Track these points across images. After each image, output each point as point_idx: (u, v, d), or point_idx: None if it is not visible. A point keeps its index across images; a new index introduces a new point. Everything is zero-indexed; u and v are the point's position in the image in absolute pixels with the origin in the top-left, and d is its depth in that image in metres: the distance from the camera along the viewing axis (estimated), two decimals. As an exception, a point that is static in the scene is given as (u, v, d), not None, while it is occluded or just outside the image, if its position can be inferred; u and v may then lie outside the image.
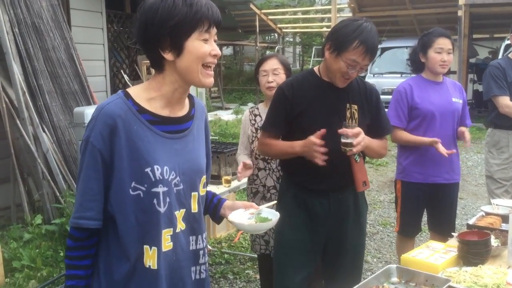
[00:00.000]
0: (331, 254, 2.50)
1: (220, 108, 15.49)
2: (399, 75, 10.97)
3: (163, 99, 1.52)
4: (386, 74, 12.23)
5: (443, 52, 3.19)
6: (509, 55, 3.74)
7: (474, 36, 13.63)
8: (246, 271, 4.11)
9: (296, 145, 2.30)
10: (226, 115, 13.59)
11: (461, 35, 11.36)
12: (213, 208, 1.78)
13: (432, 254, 2.17)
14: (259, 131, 3.05)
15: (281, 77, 2.98)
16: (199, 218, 1.62)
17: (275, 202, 2.32)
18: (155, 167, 1.46)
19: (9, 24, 4.74)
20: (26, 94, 4.72)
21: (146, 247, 1.49)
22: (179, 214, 1.55)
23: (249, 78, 19.73)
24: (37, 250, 3.98)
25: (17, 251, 3.94)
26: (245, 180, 3.32)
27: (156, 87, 1.52)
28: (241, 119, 3.31)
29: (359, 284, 1.89)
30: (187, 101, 1.62)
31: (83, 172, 1.46)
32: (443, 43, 3.20)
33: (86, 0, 6.42)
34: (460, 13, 11.24)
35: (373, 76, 12.47)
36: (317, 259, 2.54)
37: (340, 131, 2.22)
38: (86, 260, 1.52)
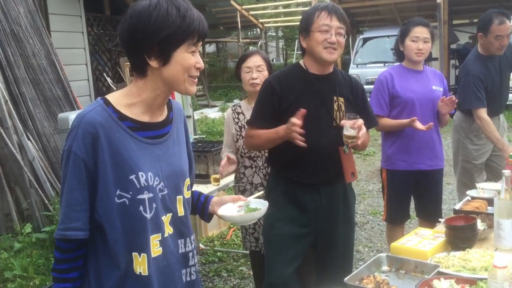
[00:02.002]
0: (322, 247, 2.53)
1: (206, 106, 15.44)
2: (382, 65, 11.02)
3: (144, 105, 1.52)
4: (369, 64, 12.29)
5: (419, 40, 3.23)
6: (479, 51, 3.73)
7: (454, 22, 13.74)
8: (240, 268, 4.13)
9: (280, 129, 2.30)
10: (213, 113, 13.56)
11: (441, 21, 11.44)
12: (201, 206, 1.78)
13: (421, 241, 2.20)
14: (243, 129, 3.06)
15: (265, 74, 2.99)
16: (186, 221, 1.63)
17: (262, 192, 2.33)
18: (140, 174, 1.46)
19: (-13, 33, 4.69)
20: (9, 102, 4.68)
21: (135, 254, 1.49)
22: (166, 218, 1.55)
23: (233, 75, 19.57)
24: (28, 259, 3.95)
25: (8, 261, 3.90)
26: (232, 178, 3.33)
27: (136, 92, 1.51)
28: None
29: (351, 274, 1.91)
30: (165, 106, 1.62)
31: (67, 183, 1.44)
32: (419, 31, 3.24)
33: (64, 5, 6.36)
34: (439, 0, 11.31)
35: (357, 66, 12.53)
36: (306, 252, 2.56)
37: (342, 122, 2.24)
38: (73, 272, 1.51)
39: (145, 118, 1.52)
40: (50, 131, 4.97)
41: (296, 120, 2.19)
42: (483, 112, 3.59)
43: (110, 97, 1.52)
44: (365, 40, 13.08)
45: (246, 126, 3.02)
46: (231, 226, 5.02)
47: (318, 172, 2.39)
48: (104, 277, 1.50)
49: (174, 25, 1.42)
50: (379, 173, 3.62)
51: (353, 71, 12.12)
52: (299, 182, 2.43)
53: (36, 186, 4.61)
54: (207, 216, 1.80)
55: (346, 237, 2.54)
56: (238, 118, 3.12)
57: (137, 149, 1.48)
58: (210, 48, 24.87)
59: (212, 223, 4.87)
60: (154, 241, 1.51)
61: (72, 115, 4.32)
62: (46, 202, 4.62)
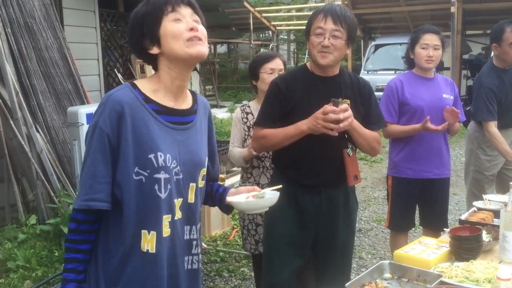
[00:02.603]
0: (321, 251, 2.52)
1: (215, 106, 15.47)
2: (392, 72, 10.99)
3: (166, 90, 1.59)
4: (380, 71, 12.26)
5: (429, 47, 3.22)
6: (494, 63, 3.72)
7: (468, 32, 13.69)
8: (241, 269, 4.12)
9: (301, 124, 2.27)
10: (221, 113, 13.58)
11: (454, 31, 11.39)
12: (219, 197, 1.82)
13: (424, 249, 2.19)
14: (251, 129, 3.06)
15: None
16: (195, 209, 1.67)
17: (281, 186, 2.30)
18: (159, 153, 1.52)
19: (1, 24, 4.72)
20: (20, 94, 4.70)
21: (144, 231, 1.53)
22: (178, 202, 1.60)
23: (243, 76, 19.71)
24: (31, 250, 3.97)
25: (12, 251, 3.93)
26: (238, 178, 3.33)
27: (157, 80, 1.60)
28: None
29: (352, 280, 1.91)
30: (190, 96, 1.70)
31: (91, 156, 1.50)
32: (429, 38, 3.22)
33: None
34: (453, 9, 11.27)
35: (367, 73, 12.50)
36: (306, 255, 2.55)
37: (326, 107, 2.18)
38: (86, 244, 1.56)
39: (169, 104, 1.60)
40: (59, 124, 4.99)
41: (325, 109, 2.16)
42: (492, 126, 3.57)
43: (137, 82, 1.60)
44: (377, 47, 13.06)
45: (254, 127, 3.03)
46: (235, 226, 5.02)
47: (320, 174, 2.39)
48: (112, 251, 1.55)
49: (143, 13, 1.55)
50: (385, 180, 3.61)
51: (363, 77, 12.08)
52: (300, 182, 2.42)
53: (43, 178, 4.63)
54: (224, 207, 1.83)
55: (346, 242, 2.53)
56: (246, 118, 3.12)
57: (159, 131, 1.54)
58: (221, 49, 24.92)
59: (216, 223, 4.88)
60: (165, 221, 1.56)
61: (81, 109, 4.34)
62: (52, 194, 4.63)
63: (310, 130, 2.24)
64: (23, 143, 4.59)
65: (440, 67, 3.35)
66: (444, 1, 12.09)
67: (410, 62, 3.39)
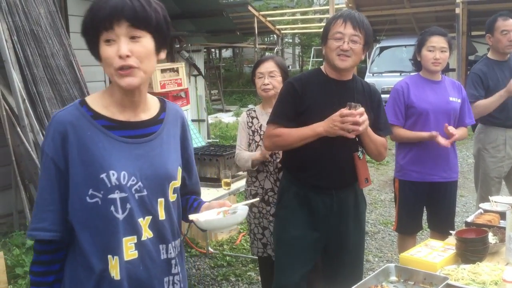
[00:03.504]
0: (332, 253, 2.53)
1: (221, 110, 15.50)
2: (398, 74, 10.97)
3: (117, 104, 1.48)
4: (385, 73, 12.24)
5: (436, 50, 3.22)
6: (488, 55, 3.82)
7: (473, 33, 13.62)
8: (248, 273, 4.12)
9: (317, 126, 2.30)
10: (227, 118, 13.61)
11: (459, 32, 11.35)
12: (193, 212, 1.66)
13: (431, 252, 2.18)
14: (255, 133, 3.07)
15: (277, 80, 3.00)
16: (167, 225, 1.53)
17: (258, 199, 2.29)
18: (111, 172, 1.41)
19: (7, 32, 4.76)
20: (26, 101, 4.74)
21: (109, 256, 1.43)
22: (144, 221, 1.47)
23: (249, 80, 19.69)
24: (39, 256, 3.99)
25: (20, 257, 3.95)
26: (244, 182, 3.34)
27: (110, 93, 1.49)
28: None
29: (358, 283, 1.90)
30: (156, 105, 1.57)
31: (39, 183, 1.45)
32: (436, 41, 3.22)
33: (84, 6, 6.43)
34: (457, 10, 11.23)
35: (373, 75, 12.48)
36: (317, 257, 2.56)
37: (342, 110, 2.24)
38: (49, 276, 1.47)
39: (124, 117, 1.48)
40: (66, 131, 5.02)
41: (343, 111, 2.20)
42: (477, 104, 3.62)
43: (88, 98, 1.51)
44: (382, 49, 13.04)
45: (259, 131, 3.04)
46: (241, 231, 5.03)
47: (331, 175, 2.41)
48: (81, 280, 1.45)
49: (86, 23, 1.40)
50: (392, 182, 3.61)
51: (368, 79, 12.05)
52: (311, 184, 2.44)
53: (50, 184, 4.66)
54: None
55: (357, 243, 2.55)
56: (252, 123, 3.13)
57: (111, 148, 1.43)
58: (227, 53, 24.99)
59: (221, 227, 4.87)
60: (128, 243, 1.44)
61: (87, 116, 4.36)
62: (59, 200, 4.66)
63: (326, 132, 2.28)
64: (30, 150, 4.62)
65: (446, 69, 3.35)
66: (449, 2, 12.05)
67: (417, 64, 3.39)
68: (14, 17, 4.88)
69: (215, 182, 3.66)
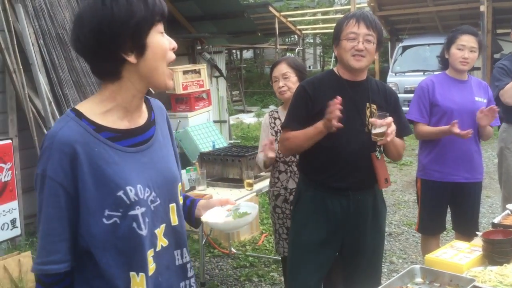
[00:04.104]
0: (350, 255, 2.51)
1: (242, 111, 15.54)
2: (421, 73, 10.81)
3: (120, 110, 1.36)
4: (408, 73, 12.08)
5: (465, 49, 3.17)
6: None
7: (498, 31, 13.36)
8: (271, 274, 4.13)
9: (319, 123, 2.29)
10: (248, 118, 13.64)
11: (484, 30, 11.14)
12: (187, 211, 1.62)
13: (457, 253, 2.15)
14: (278, 134, 3.08)
15: (292, 80, 3.00)
16: (180, 230, 1.49)
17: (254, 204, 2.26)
18: (128, 188, 1.30)
19: (34, 36, 4.88)
20: (52, 103, 4.84)
21: (132, 274, 1.34)
22: (160, 230, 1.41)
23: (269, 81, 19.73)
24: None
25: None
26: (267, 183, 3.35)
27: (110, 97, 1.35)
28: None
29: (383, 285, 1.89)
30: (144, 106, 1.46)
31: (43, 211, 1.29)
32: (466, 40, 3.18)
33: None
34: (482, 8, 11.03)
35: (395, 75, 12.34)
36: (333, 260, 2.54)
37: (371, 120, 2.25)
38: None
39: (124, 125, 1.37)
40: (91, 132, 5.11)
41: (335, 101, 2.18)
42: (507, 88, 3.50)
43: (81, 107, 1.34)
44: (405, 48, 12.87)
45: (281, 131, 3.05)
46: (263, 231, 5.03)
47: (348, 177, 2.39)
48: None
49: (139, 9, 1.28)
50: (415, 183, 3.57)
51: (391, 79, 11.95)
52: (328, 186, 2.42)
53: (76, 185, 4.75)
54: (193, 221, 1.64)
55: (375, 246, 2.51)
56: (274, 123, 3.15)
57: (121, 161, 1.32)
58: (247, 54, 25.02)
59: (244, 228, 4.89)
60: (150, 257, 1.37)
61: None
62: (85, 201, 4.74)
63: (325, 127, 2.25)
64: (56, 151, 4.71)
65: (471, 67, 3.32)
66: (473, 0, 11.86)
67: (444, 62, 3.35)
68: (40, 21, 4.99)
69: (237, 183, 3.68)
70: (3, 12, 4.73)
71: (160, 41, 1.33)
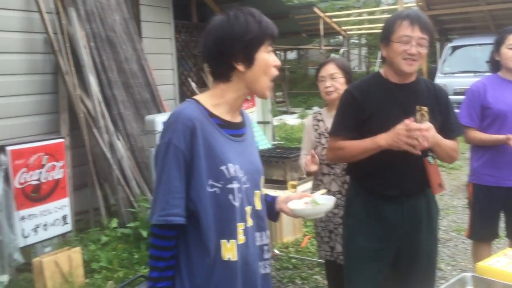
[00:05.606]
0: (404, 262, 2.42)
1: (285, 112, 15.52)
2: (472, 74, 10.45)
3: (227, 106, 1.66)
4: (458, 74, 11.70)
5: None
6: None
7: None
8: (314, 277, 4.09)
9: (380, 139, 2.20)
10: (291, 120, 13.61)
11: (540, 29, 10.66)
12: (269, 206, 1.84)
13: (510, 262, 2.05)
14: (322, 136, 3.04)
15: (339, 81, 2.95)
16: (262, 215, 1.73)
17: (325, 190, 2.25)
18: (229, 165, 1.58)
19: (85, 39, 5.04)
20: (102, 104, 4.99)
21: (223, 241, 1.58)
22: (248, 210, 1.65)
23: (313, 82, 19.46)
24: (113, 252, 4.18)
25: (95, 253, 4.15)
26: (310, 185, 3.32)
27: (220, 94, 1.66)
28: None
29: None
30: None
31: (166, 173, 1.55)
32: None
33: (156, 12, 6.69)
34: (538, 6, 10.57)
35: (444, 76, 11.98)
36: (388, 267, 2.48)
37: (411, 125, 2.13)
38: (173, 260, 1.60)
39: (228, 117, 1.67)
40: (138, 132, 5.23)
41: (410, 123, 2.10)
42: None
43: (198, 98, 1.67)
44: (454, 48, 12.47)
45: (325, 134, 3.01)
46: (306, 233, 5.00)
47: (400, 183, 2.31)
48: (194, 264, 1.59)
49: (254, 29, 1.59)
50: (465, 188, 3.46)
51: (439, 80, 11.59)
52: (379, 193, 2.35)
53: (123, 183, 4.87)
54: (274, 215, 1.87)
55: (429, 252, 2.43)
56: (318, 125, 3.11)
57: (225, 143, 1.61)
58: (291, 55, 24.98)
59: (288, 229, 4.87)
60: (240, 229, 1.61)
61: (158, 118, 4.53)
62: (132, 199, 4.86)
63: (389, 146, 2.16)
64: (105, 150, 4.85)
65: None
66: (528, -2, 11.38)
67: (495, 65, 3.23)
68: (91, 24, 5.16)
69: (281, 184, 3.66)
70: (57, 15, 4.91)
71: (266, 58, 1.63)
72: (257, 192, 1.70)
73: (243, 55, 1.59)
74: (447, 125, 2.36)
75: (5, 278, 3.28)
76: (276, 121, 11.55)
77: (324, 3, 20.64)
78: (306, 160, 2.95)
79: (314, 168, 2.91)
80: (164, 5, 6.85)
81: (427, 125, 2.14)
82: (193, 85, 8.75)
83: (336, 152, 2.42)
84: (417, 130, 2.10)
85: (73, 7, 4.97)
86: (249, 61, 1.60)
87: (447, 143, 2.31)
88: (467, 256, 4.31)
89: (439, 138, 2.22)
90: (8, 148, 3.44)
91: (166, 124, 1.60)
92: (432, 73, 12.81)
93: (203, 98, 1.67)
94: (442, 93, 2.41)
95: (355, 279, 2.42)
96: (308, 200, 1.83)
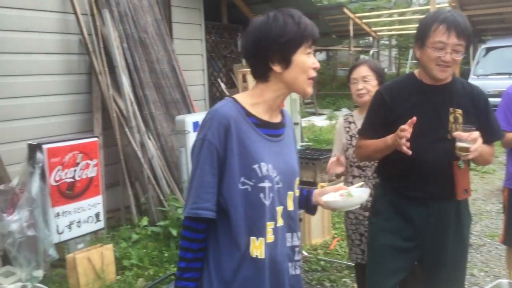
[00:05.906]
0: (429, 266, 2.39)
1: (314, 114, 15.44)
2: (506, 76, 10.19)
3: (265, 105, 1.68)
4: (492, 76, 11.43)
5: None
6: None
7: None
8: (343, 279, 4.06)
9: (389, 138, 2.20)
10: (320, 121, 13.53)
11: None
12: (305, 200, 1.87)
13: (550, 270, 2.00)
14: (353, 138, 3.02)
15: (372, 84, 2.92)
16: (294, 216, 1.74)
17: (363, 183, 2.23)
18: (262, 164, 1.60)
19: (118, 40, 5.13)
20: (134, 104, 5.07)
21: (252, 238, 1.61)
22: (279, 210, 1.66)
23: (342, 83, 19.47)
24: (144, 250, 4.24)
25: (127, 250, 4.22)
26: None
27: (259, 94, 1.68)
28: (335, 125, 3.30)
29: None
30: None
31: (200, 168, 1.59)
32: None
33: (187, 14, 6.76)
34: None
35: (477, 77, 11.71)
36: (410, 267, 2.45)
37: (455, 134, 2.11)
38: (201, 252, 1.64)
39: (266, 117, 1.68)
40: (168, 132, 5.29)
41: (405, 126, 2.08)
42: None
43: (237, 96, 1.70)
44: (488, 50, 12.20)
45: (356, 136, 2.99)
46: (335, 236, 4.96)
47: (426, 186, 2.27)
48: (223, 259, 1.62)
49: (291, 31, 1.59)
50: (499, 192, 3.39)
51: (472, 82, 11.32)
52: (405, 194, 2.33)
53: (154, 182, 4.93)
54: (311, 208, 1.90)
55: (457, 258, 2.37)
56: (349, 127, 3.09)
57: (259, 143, 1.63)
58: (320, 56, 24.83)
59: (317, 231, 4.85)
60: (269, 228, 1.63)
61: (188, 118, 4.57)
62: (162, 198, 4.92)
63: (393, 145, 2.15)
64: (136, 149, 4.93)
65: None
66: None
67: None
68: (124, 26, 5.24)
69: (311, 185, 3.65)
70: (91, 17, 5.02)
71: (304, 60, 1.63)
72: (290, 193, 1.71)
73: (280, 56, 1.60)
74: (486, 128, 2.27)
75: (40, 273, 3.36)
76: (304, 122, 11.50)
77: (354, 3, 20.46)
78: (330, 162, 2.94)
79: (339, 170, 2.91)
80: (195, 6, 6.91)
81: (476, 134, 2.08)
82: (223, 85, 8.80)
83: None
84: (404, 130, 2.06)
85: (107, 9, 5.06)
86: (285, 62, 1.61)
87: (485, 148, 2.24)
88: (501, 263, 4.21)
89: (483, 147, 2.15)
90: (45, 147, 3.53)
91: (203, 121, 1.64)
92: (465, 75, 12.54)
93: (242, 97, 1.69)
94: (480, 95, 2.34)
95: (376, 274, 2.40)
96: (344, 193, 1.84)
